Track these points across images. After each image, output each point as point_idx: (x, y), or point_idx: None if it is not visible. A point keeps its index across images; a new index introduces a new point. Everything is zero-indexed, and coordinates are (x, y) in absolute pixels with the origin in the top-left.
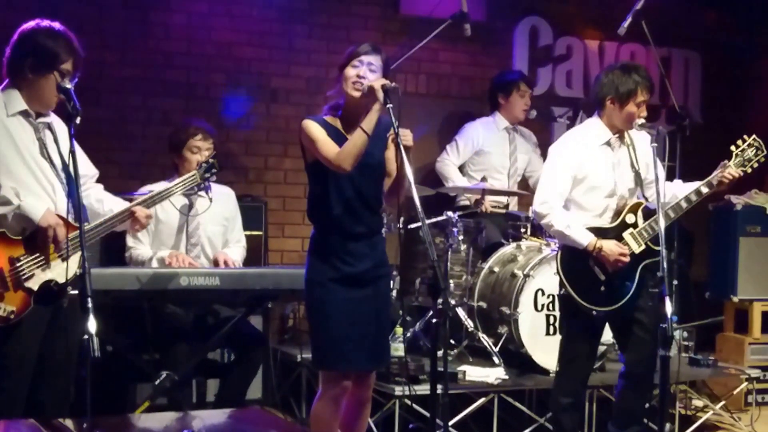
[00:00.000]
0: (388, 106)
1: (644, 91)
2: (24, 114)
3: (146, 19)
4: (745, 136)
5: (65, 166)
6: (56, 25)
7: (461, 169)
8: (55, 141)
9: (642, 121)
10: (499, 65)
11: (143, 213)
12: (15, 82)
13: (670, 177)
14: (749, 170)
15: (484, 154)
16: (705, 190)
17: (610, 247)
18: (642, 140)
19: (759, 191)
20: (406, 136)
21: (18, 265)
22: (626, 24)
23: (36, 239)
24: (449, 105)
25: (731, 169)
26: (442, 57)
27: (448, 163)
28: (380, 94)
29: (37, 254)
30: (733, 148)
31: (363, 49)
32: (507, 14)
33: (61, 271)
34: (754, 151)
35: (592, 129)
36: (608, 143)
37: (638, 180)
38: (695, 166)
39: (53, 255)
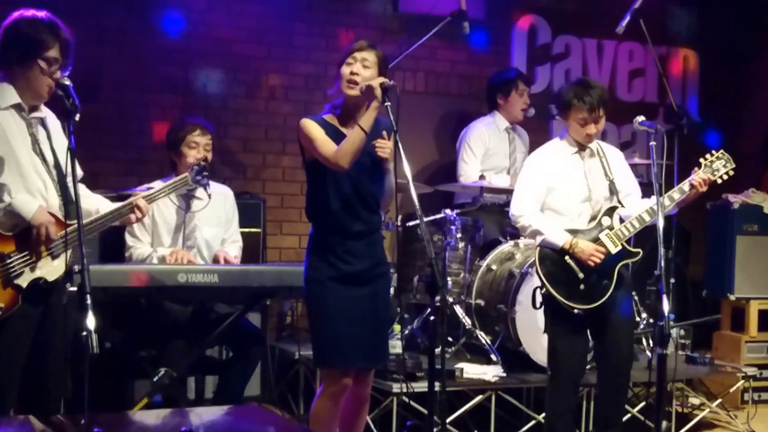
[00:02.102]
0: (386, 104)
1: (582, 109)
2: (17, 108)
3: (144, 15)
4: (713, 151)
5: (57, 163)
6: (40, 13)
7: None
8: (48, 137)
9: (642, 118)
10: (497, 63)
11: (145, 205)
12: (5, 75)
13: (669, 175)
14: (719, 180)
15: (489, 155)
16: (677, 195)
17: (585, 243)
18: (612, 153)
19: (756, 190)
20: (384, 148)
21: (8, 261)
22: (624, 23)
23: (27, 236)
24: (447, 103)
25: (701, 174)
26: (441, 55)
27: (474, 171)
28: (378, 92)
29: (28, 252)
30: (702, 159)
31: (357, 46)
32: (505, 12)
33: (51, 269)
34: (723, 162)
35: (563, 140)
36: (578, 152)
37: (613, 189)
38: (693, 164)
39: (44, 253)
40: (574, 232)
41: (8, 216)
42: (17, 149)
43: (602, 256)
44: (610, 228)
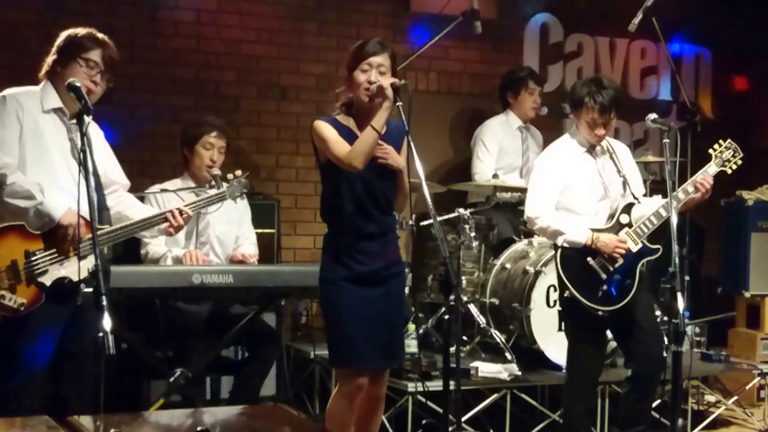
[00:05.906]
0: (397, 104)
1: (593, 109)
2: (59, 112)
3: (155, 17)
4: (721, 141)
5: (95, 171)
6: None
7: None
8: (89, 144)
9: (654, 115)
10: (509, 62)
11: (178, 215)
12: (50, 80)
13: (682, 173)
14: (729, 171)
15: (502, 153)
16: (682, 195)
17: (607, 236)
18: (621, 149)
19: None
20: (385, 156)
21: (33, 259)
22: (637, 20)
23: (55, 235)
24: (460, 102)
25: (707, 176)
26: (453, 54)
27: (489, 169)
28: (390, 92)
29: (54, 250)
30: (711, 150)
31: (371, 50)
32: (517, 11)
33: (75, 269)
34: (731, 152)
35: (574, 138)
36: (589, 151)
37: (626, 185)
38: (706, 161)
39: (71, 253)
40: (594, 231)
41: (37, 215)
42: (53, 152)
43: (626, 248)
44: (629, 225)
